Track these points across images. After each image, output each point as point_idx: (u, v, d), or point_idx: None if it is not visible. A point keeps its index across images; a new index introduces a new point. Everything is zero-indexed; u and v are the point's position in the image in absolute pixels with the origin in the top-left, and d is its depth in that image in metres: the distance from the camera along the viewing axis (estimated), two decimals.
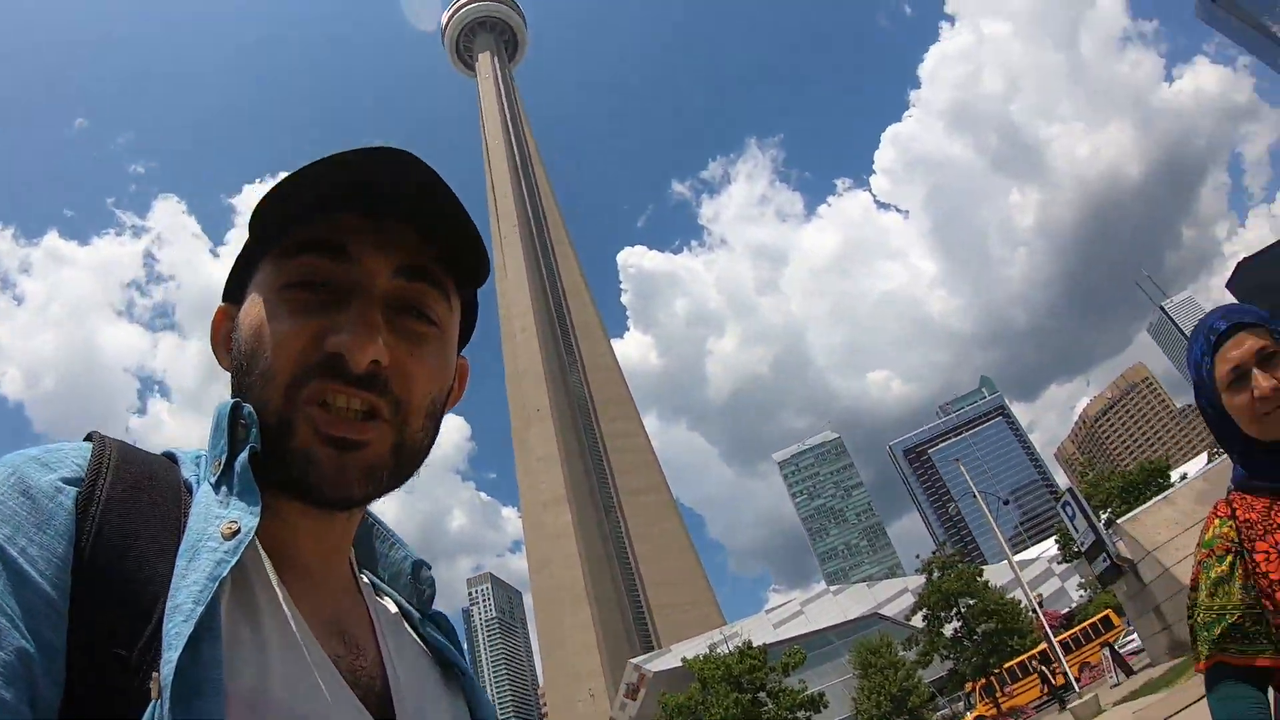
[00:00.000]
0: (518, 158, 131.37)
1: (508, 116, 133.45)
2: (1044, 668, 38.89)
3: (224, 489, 0.81)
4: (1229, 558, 1.92)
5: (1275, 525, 1.92)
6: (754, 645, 50.74)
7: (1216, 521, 2.00)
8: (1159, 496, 27.25)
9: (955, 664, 50.13)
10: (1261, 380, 1.89)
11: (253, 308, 0.89)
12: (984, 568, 59.00)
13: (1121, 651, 32.53)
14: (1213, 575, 1.93)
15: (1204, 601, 1.93)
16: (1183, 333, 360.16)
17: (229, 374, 0.92)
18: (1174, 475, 57.05)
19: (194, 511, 0.78)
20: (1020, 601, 48.34)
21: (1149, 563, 22.66)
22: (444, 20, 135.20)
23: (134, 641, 0.67)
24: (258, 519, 0.77)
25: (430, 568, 1.12)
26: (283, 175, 0.87)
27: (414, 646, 1.02)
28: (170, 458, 0.88)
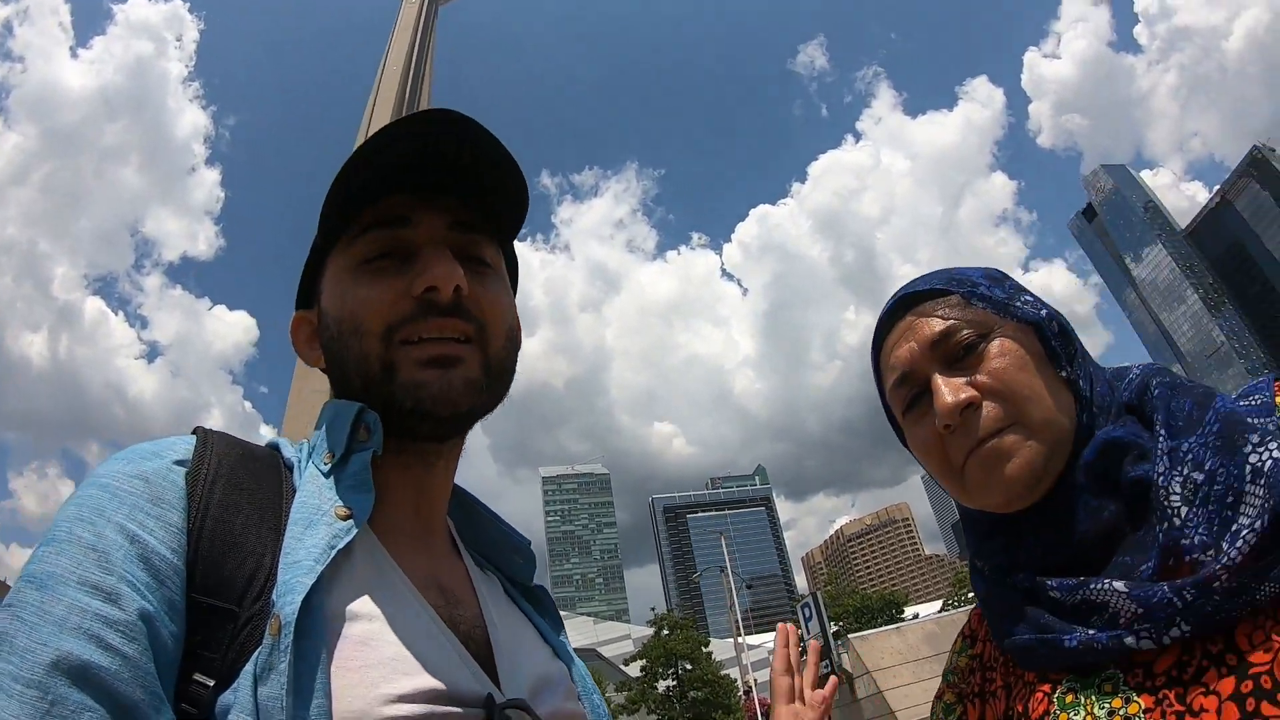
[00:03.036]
0: (408, 93, 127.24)
1: (416, 48, 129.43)
2: None
3: (335, 478, 0.92)
4: (957, 709, 1.23)
5: (999, 689, 1.15)
6: None
7: (959, 645, 1.30)
8: (892, 625, 28.99)
9: (659, 719, 51.18)
10: (938, 396, 1.07)
11: (336, 288, 1.01)
12: (710, 639, 60.68)
13: None
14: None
15: None
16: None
17: (319, 368, 1.06)
18: (908, 611, 60.88)
19: (304, 488, 0.90)
20: (735, 680, 49.74)
21: (865, 680, 23.81)
22: None
23: (242, 597, 0.77)
24: (370, 509, 0.89)
25: (530, 544, 1.20)
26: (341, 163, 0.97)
27: (511, 608, 1.10)
28: (274, 446, 1.01)
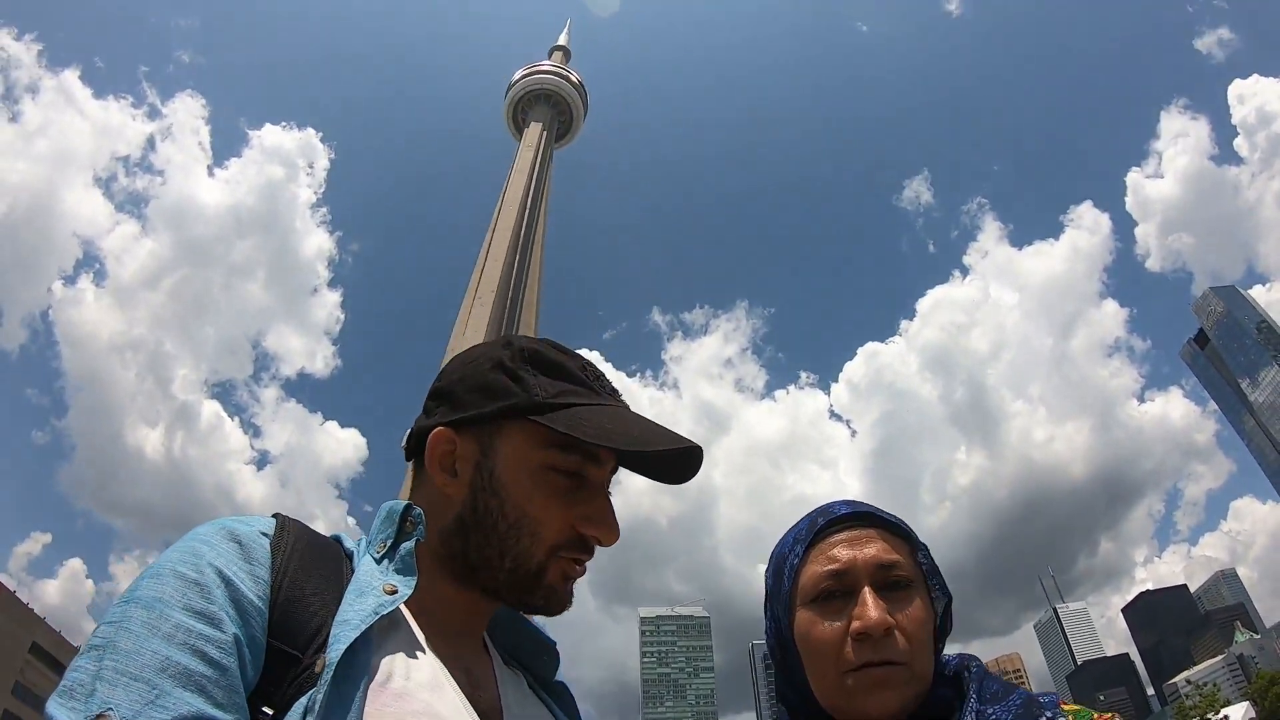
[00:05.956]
0: (523, 231, 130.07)
1: (531, 190, 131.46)
2: None
3: (386, 563, 1.10)
4: None
5: None
6: None
7: None
8: None
9: None
10: (871, 607, 1.20)
11: (520, 473, 1.16)
12: None
13: None
14: None
15: None
16: (1067, 640, 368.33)
17: (440, 487, 1.19)
18: None
19: (360, 569, 1.09)
20: None
21: None
22: (515, 77, 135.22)
23: (306, 647, 0.96)
24: (412, 589, 1.07)
25: (555, 644, 1.36)
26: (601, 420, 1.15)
27: (534, 701, 1.27)
28: (336, 539, 1.19)
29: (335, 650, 0.93)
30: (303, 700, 0.90)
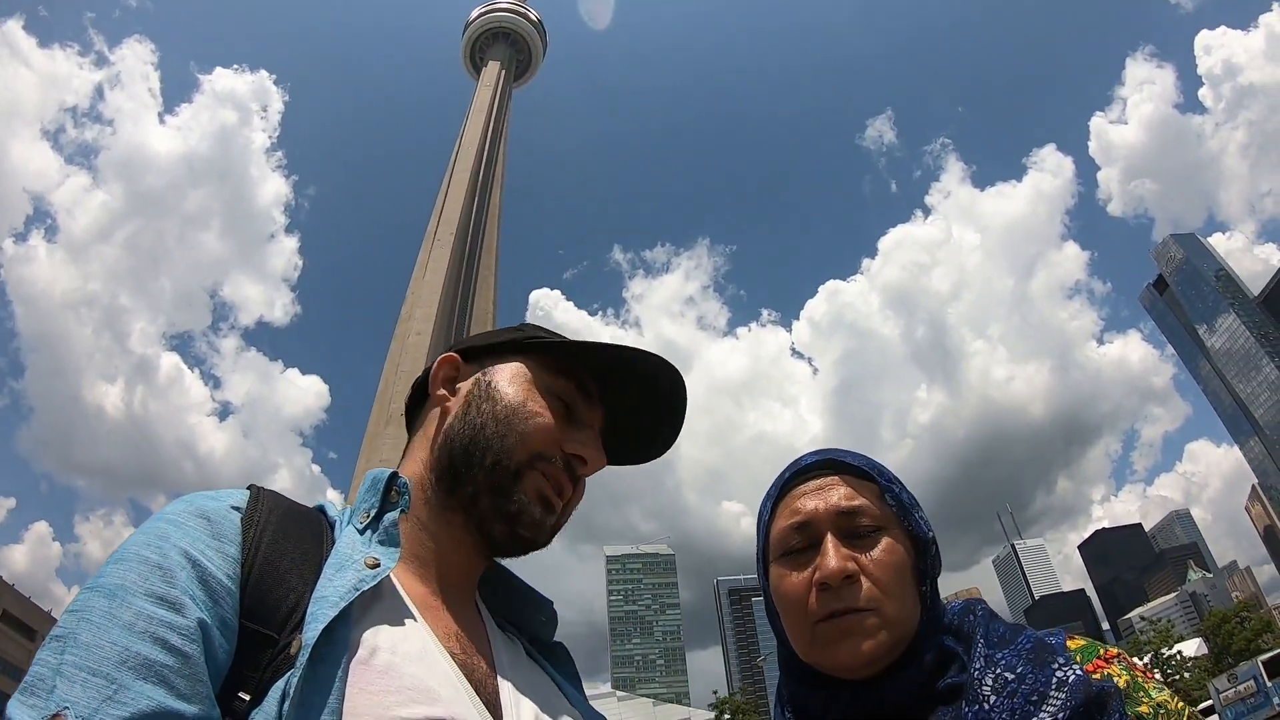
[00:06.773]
0: (482, 171, 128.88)
1: (490, 129, 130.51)
2: None
3: (369, 534, 1.07)
4: None
5: None
6: None
7: None
8: None
9: None
10: (830, 556, 1.17)
11: (521, 387, 1.22)
12: None
13: None
14: None
15: None
16: (1024, 575, 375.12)
17: (440, 403, 1.24)
18: None
19: (341, 540, 1.05)
20: None
21: None
22: (472, 16, 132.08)
23: (282, 626, 0.91)
24: (396, 562, 1.04)
25: (552, 604, 1.35)
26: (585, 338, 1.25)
27: (531, 667, 1.24)
28: (320, 508, 1.16)
29: (312, 630, 0.89)
30: (279, 684, 0.85)
